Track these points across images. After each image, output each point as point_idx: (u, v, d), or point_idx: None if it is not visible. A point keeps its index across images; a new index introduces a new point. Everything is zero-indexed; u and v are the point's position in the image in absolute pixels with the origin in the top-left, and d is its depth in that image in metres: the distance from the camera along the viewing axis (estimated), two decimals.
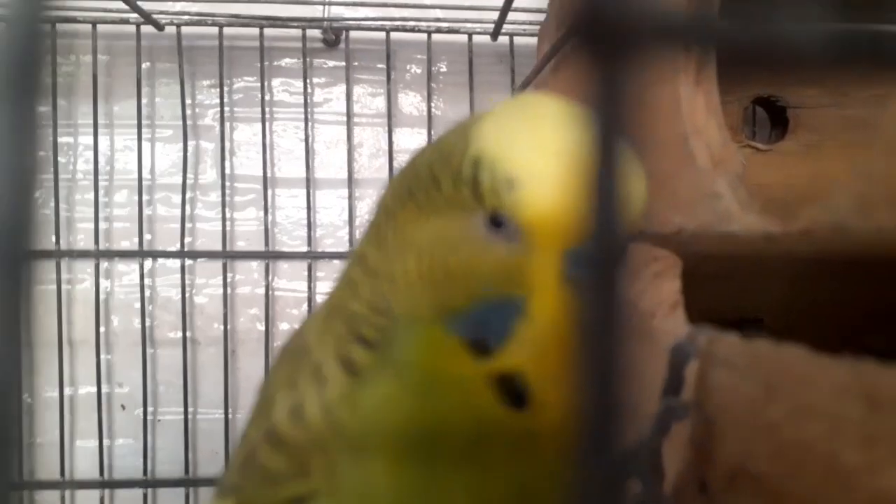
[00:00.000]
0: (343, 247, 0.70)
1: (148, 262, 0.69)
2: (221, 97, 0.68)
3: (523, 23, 0.68)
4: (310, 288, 0.69)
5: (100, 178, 0.67)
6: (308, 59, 0.69)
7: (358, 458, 0.25)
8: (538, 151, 0.23)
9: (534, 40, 0.67)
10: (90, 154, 0.68)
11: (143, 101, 0.68)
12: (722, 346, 0.24)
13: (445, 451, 0.25)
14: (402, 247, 0.26)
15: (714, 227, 0.26)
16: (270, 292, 0.69)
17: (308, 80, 0.69)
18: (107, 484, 0.67)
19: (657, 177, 0.31)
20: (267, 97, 0.70)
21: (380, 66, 0.70)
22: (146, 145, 0.70)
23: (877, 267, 0.26)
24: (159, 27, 0.66)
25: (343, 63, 0.70)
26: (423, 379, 0.25)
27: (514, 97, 0.26)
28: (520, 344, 0.24)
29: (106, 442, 0.68)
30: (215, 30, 0.67)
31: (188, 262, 0.69)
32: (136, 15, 0.63)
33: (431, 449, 0.25)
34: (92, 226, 0.67)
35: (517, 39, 0.69)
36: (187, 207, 0.68)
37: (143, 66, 0.69)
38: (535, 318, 0.23)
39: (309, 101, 0.69)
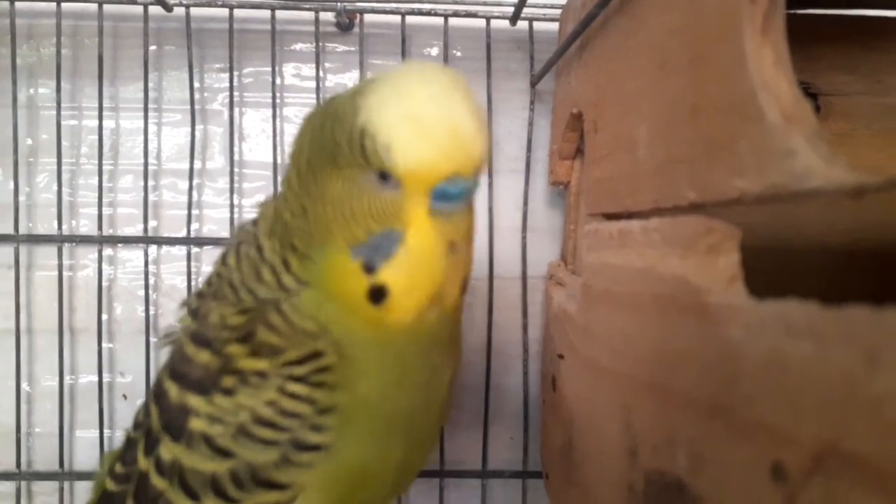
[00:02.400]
0: None
1: (153, 249, 0.67)
2: (231, 81, 0.66)
3: (544, 5, 0.66)
4: None
5: (104, 162, 0.65)
6: (321, 44, 0.67)
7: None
8: (403, 121, 0.32)
9: (554, 26, 0.65)
10: (94, 138, 0.65)
11: (150, 84, 0.66)
12: (802, 315, 0.22)
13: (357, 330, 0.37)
14: (322, 195, 0.35)
15: (788, 187, 0.24)
16: None
17: (320, 65, 0.67)
18: None
19: (715, 140, 0.29)
20: (278, 82, 0.68)
21: (394, 51, 0.68)
22: (152, 129, 0.68)
23: None
24: (168, 8, 0.64)
25: (356, 48, 0.67)
26: (333, 290, 0.37)
27: (396, 66, 0.35)
28: (396, 262, 0.35)
29: (107, 433, 0.65)
30: (225, 12, 0.65)
31: (194, 249, 0.67)
32: None
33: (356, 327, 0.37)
34: (95, 211, 0.65)
35: (537, 25, 0.67)
36: (194, 193, 0.66)
37: (151, 47, 0.67)
38: (409, 243, 0.34)
39: (321, 86, 0.67)
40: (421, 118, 0.32)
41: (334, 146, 0.34)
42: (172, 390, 0.38)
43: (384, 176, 0.33)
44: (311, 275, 0.37)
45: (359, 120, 0.33)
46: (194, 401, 0.37)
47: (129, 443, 0.41)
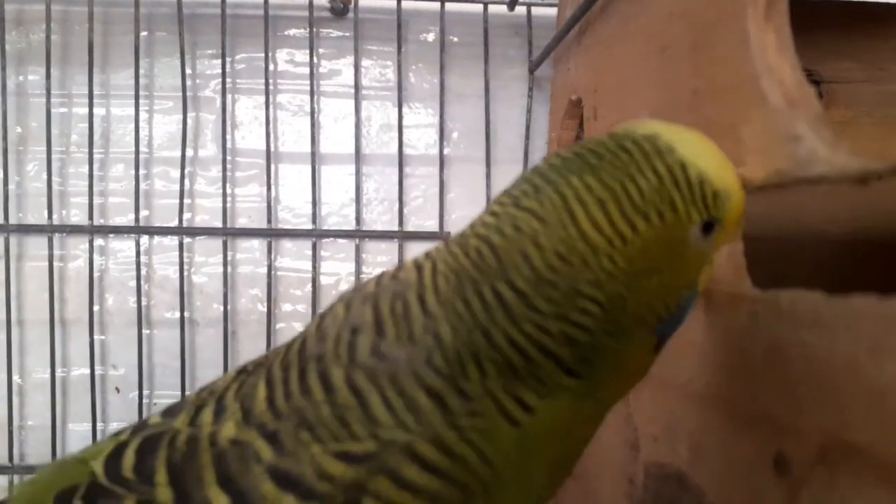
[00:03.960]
0: (349, 225, 0.67)
1: (144, 239, 0.66)
2: (223, 67, 0.65)
3: None
4: (314, 268, 0.66)
5: (95, 150, 0.64)
6: (314, 29, 0.66)
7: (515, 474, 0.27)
8: (728, 168, 0.27)
9: (552, 11, 0.64)
10: (85, 125, 0.64)
11: (141, 70, 0.65)
12: (806, 305, 0.22)
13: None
14: (638, 264, 0.26)
15: (791, 173, 0.23)
16: (273, 272, 0.66)
17: (314, 51, 0.66)
18: None
19: (717, 125, 0.28)
20: (271, 68, 0.67)
21: (390, 36, 0.67)
22: (144, 117, 0.67)
23: None
24: None
25: (351, 33, 0.66)
26: (614, 390, 0.28)
27: (663, 124, 0.29)
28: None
29: (100, 426, 0.64)
30: None
31: (187, 239, 0.66)
32: None
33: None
34: (86, 200, 0.64)
35: (535, 10, 0.66)
36: (186, 182, 0.65)
37: (142, 33, 0.65)
38: (699, 303, 0.29)
39: (315, 72, 0.66)
40: (731, 167, 0.28)
41: (659, 201, 0.27)
42: None
43: (708, 227, 0.27)
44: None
45: (692, 170, 0.27)
46: None
47: None
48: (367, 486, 0.26)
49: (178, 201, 0.64)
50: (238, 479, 0.28)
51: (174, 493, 0.29)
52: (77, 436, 0.66)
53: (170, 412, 0.33)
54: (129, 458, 0.31)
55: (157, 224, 0.66)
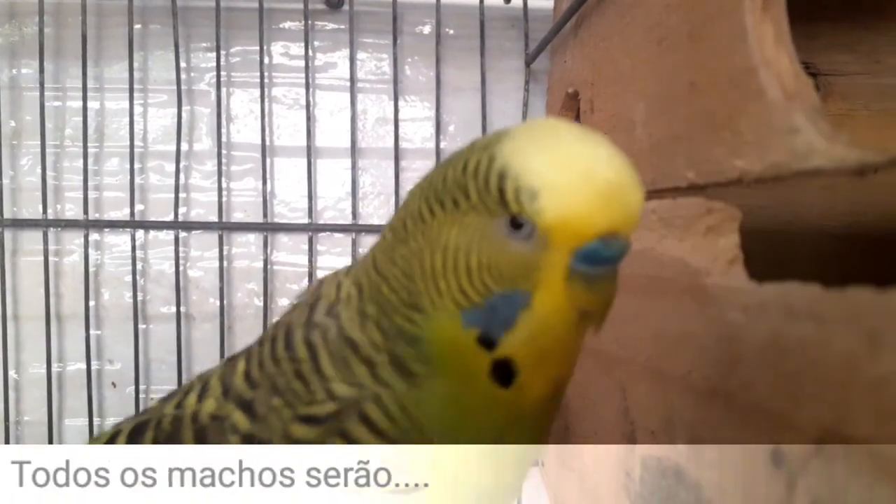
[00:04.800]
0: (345, 219, 0.67)
1: (140, 234, 0.66)
2: (218, 61, 0.64)
3: None
4: (310, 262, 0.66)
5: (89, 144, 0.64)
6: (310, 21, 0.65)
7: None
8: (555, 167, 0.27)
9: (549, 3, 0.64)
10: (79, 119, 0.64)
11: (136, 63, 0.64)
12: (804, 298, 0.22)
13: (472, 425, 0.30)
14: (431, 246, 0.29)
15: (789, 166, 0.23)
16: (269, 266, 0.66)
17: (309, 44, 0.66)
18: None
19: (715, 118, 0.28)
20: (266, 61, 0.67)
21: (385, 29, 0.66)
22: (138, 110, 0.66)
23: None
24: None
25: (346, 26, 0.66)
26: (453, 375, 0.29)
27: (531, 121, 0.31)
28: (518, 333, 0.28)
29: (96, 421, 0.64)
30: None
31: (182, 233, 0.66)
32: None
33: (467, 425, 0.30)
34: (81, 195, 0.63)
35: (531, 2, 0.65)
36: (181, 176, 0.65)
37: (136, 26, 0.65)
38: (536, 309, 0.28)
39: (310, 65, 0.66)
40: (575, 163, 0.26)
41: (458, 191, 0.28)
42: None
43: (517, 224, 0.27)
44: (428, 364, 0.30)
45: (497, 163, 0.27)
46: None
47: None
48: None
49: (173, 195, 0.64)
50: None
51: None
52: (73, 431, 0.65)
53: (165, 399, 0.37)
54: (120, 443, 0.34)
55: (152, 218, 0.66)
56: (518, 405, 0.30)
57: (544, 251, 0.27)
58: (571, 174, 0.26)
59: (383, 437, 0.29)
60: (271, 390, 0.31)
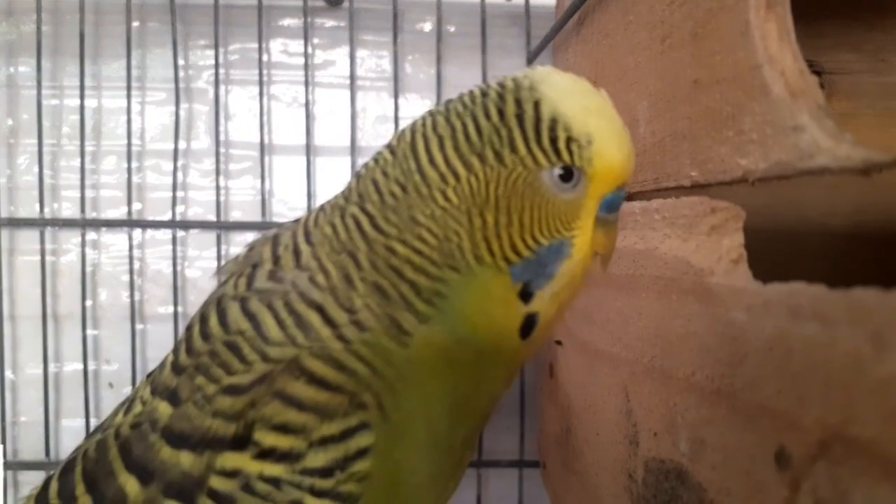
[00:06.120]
0: None
1: (137, 233, 0.65)
2: (216, 58, 0.64)
3: None
4: None
5: (86, 142, 0.63)
6: (309, 19, 0.65)
7: (409, 394, 0.28)
8: (598, 117, 0.28)
9: (551, 1, 0.64)
10: (76, 117, 0.63)
11: (133, 61, 0.64)
12: (809, 298, 0.21)
13: (476, 376, 0.30)
14: (478, 206, 0.28)
15: (794, 165, 0.23)
16: None
17: (309, 41, 0.65)
18: None
19: (718, 116, 0.28)
20: (265, 59, 0.66)
21: (385, 26, 0.66)
22: (136, 109, 0.66)
23: None
24: None
25: (346, 23, 0.66)
26: (483, 330, 0.28)
27: (544, 69, 0.29)
28: (556, 282, 0.28)
29: (93, 421, 0.64)
30: None
31: (180, 232, 0.65)
32: None
33: (469, 378, 0.29)
34: (78, 193, 0.63)
35: (533, 0, 0.65)
36: (179, 175, 0.64)
37: (134, 24, 0.64)
38: (574, 257, 0.28)
39: (309, 63, 0.66)
40: (610, 116, 0.28)
41: (497, 141, 0.27)
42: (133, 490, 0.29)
43: (567, 176, 0.28)
44: (439, 312, 0.28)
45: (545, 109, 0.27)
46: None
47: None
48: (255, 411, 0.28)
49: (170, 194, 0.63)
50: (141, 456, 0.29)
51: (92, 497, 0.30)
52: (70, 432, 0.65)
53: (97, 429, 0.35)
54: (53, 487, 0.32)
55: (149, 217, 0.66)
56: (519, 357, 0.30)
57: (584, 199, 0.28)
58: (613, 124, 0.28)
59: (330, 388, 0.28)
60: (196, 370, 0.30)
